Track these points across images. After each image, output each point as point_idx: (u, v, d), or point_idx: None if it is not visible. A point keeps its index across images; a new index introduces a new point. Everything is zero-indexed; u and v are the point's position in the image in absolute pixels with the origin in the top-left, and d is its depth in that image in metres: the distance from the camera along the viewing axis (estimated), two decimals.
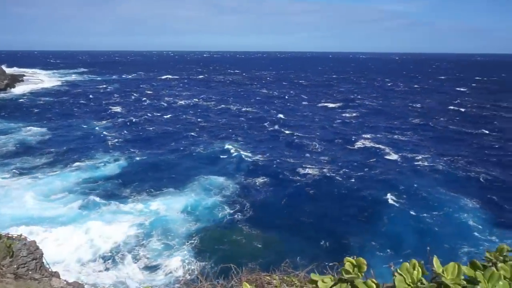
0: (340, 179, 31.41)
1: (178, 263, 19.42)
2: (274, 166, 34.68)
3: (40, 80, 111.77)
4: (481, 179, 31.57)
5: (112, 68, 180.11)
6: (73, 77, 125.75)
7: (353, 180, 31.11)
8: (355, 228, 23.50)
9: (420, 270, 1.41)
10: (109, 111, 62.35)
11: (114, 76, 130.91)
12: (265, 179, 31.15)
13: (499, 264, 1.56)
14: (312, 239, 22.15)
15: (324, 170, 33.52)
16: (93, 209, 25.11)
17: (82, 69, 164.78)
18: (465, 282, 1.39)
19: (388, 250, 20.92)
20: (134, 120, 54.60)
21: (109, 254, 20.20)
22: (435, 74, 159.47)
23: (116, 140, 43.32)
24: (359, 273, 1.50)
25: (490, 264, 1.73)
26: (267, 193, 28.70)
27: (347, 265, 1.54)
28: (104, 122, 53.56)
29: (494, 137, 46.04)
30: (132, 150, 39.11)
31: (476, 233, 22.84)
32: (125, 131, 47.77)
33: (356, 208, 26.22)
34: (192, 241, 21.65)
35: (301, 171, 33.24)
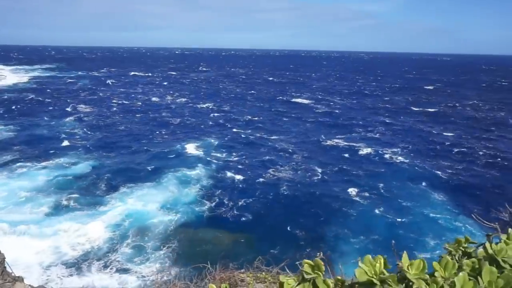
0: (312, 175, 31.88)
1: (150, 264, 19.16)
2: (247, 164, 34.76)
3: (3, 76, 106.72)
4: (446, 174, 32.88)
5: (80, 64, 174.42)
6: (39, 73, 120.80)
7: (324, 176, 31.66)
8: (328, 223, 23.94)
9: (382, 262, 1.47)
10: (77, 108, 60.40)
11: (82, 73, 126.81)
12: (238, 177, 31.18)
13: (464, 261, 1.65)
14: (285, 235, 22.40)
15: (297, 167, 33.92)
16: (63, 210, 24.38)
17: (48, 65, 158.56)
18: (427, 276, 1.47)
19: (360, 244, 21.47)
20: (103, 118, 53.20)
21: (80, 256, 19.66)
22: (403, 73, 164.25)
23: (85, 138, 42.11)
24: (319, 272, 1.56)
25: (451, 257, 1.83)
26: (240, 191, 28.74)
27: (306, 267, 1.59)
28: (72, 119, 51.85)
29: (457, 134, 48.01)
30: (102, 148, 38.14)
31: (443, 224, 23.84)
32: (94, 129, 46.47)
33: (327, 204, 26.69)
34: (166, 241, 21.40)
35: (274, 168, 33.49)
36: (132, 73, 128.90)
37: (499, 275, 1.39)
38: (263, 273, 5.02)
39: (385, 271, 1.46)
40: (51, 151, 36.26)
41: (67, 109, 59.74)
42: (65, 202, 25.35)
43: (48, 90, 79.67)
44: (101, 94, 77.37)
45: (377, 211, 25.67)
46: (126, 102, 67.90)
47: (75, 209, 24.55)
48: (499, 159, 37.51)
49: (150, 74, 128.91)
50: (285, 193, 28.40)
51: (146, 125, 49.57)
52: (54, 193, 26.58)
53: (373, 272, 1.44)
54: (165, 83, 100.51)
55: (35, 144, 38.63)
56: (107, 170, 31.67)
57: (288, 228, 23.19)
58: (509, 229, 1.82)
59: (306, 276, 1.54)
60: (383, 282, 1.42)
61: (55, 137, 42.21)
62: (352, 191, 28.82)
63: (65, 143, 39.62)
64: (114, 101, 68.75)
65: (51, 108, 60.15)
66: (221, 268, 5.35)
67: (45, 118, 51.78)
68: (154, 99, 72.25)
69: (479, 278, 1.41)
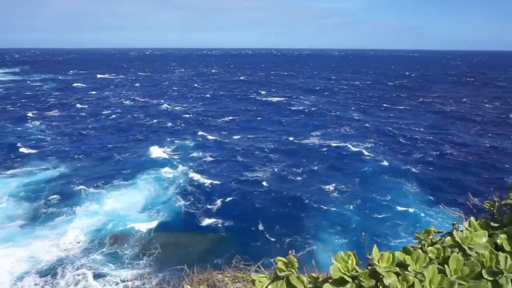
0: (288, 173, 32.14)
1: (127, 269, 18.80)
2: (222, 164, 34.66)
3: None
4: (417, 167, 33.91)
5: (47, 67, 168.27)
6: (3, 77, 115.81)
7: (300, 174, 31.99)
8: (305, 219, 24.21)
9: (354, 259, 1.51)
10: (44, 113, 58.30)
11: (48, 76, 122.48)
12: (214, 178, 31.02)
13: (428, 248, 1.72)
14: (263, 233, 22.50)
15: (273, 165, 34.10)
16: (36, 217, 23.58)
17: (12, 69, 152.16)
18: (397, 269, 1.52)
19: (338, 238, 21.89)
20: (71, 122, 51.62)
21: (54, 264, 19.05)
22: (373, 69, 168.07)
23: (53, 143, 40.74)
24: (292, 270, 1.58)
25: (420, 245, 1.91)
26: (216, 191, 28.60)
27: (280, 264, 1.61)
28: (38, 124, 50.01)
29: (426, 128, 49.63)
30: (71, 153, 36.99)
31: (416, 215, 24.65)
32: (62, 134, 44.98)
33: (304, 201, 26.98)
34: (143, 245, 21.05)
35: (250, 167, 33.56)
36: (101, 75, 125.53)
37: (465, 262, 1.46)
38: (241, 272, 5.03)
39: (357, 268, 1.50)
40: (18, 159, 34.89)
41: (32, 114, 57.51)
42: (37, 209, 24.56)
43: (12, 96, 76.43)
44: (68, 97, 74.91)
45: (353, 205, 26.20)
46: (95, 105, 65.98)
47: (48, 216, 23.80)
48: (465, 151, 39.06)
49: (119, 76, 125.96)
50: (262, 191, 28.50)
51: (116, 128, 48.37)
52: (26, 201, 25.70)
53: (345, 269, 1.48)
54: (136, 85, 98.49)
55: (1, 152, 37.06)
56: (78, 175, 30.79)
57: (266, 226, 23.29)
58: (472, 218, 1.90)
59: (279, 274, 1.55)
60: (355, 278, 1.46)
61: (22, 143, 40.55)
62: (329, 187, 29.27)
63: (32, 149, 38.18)
64: (82, 104, 66.74)
65: (15, 114, 57.73)
66: (199, 269, 5.31)
67: (9, 125, 49.68)
68: (124, 101, 70.66)
69: (446, 266, 1.47)
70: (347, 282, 1.46)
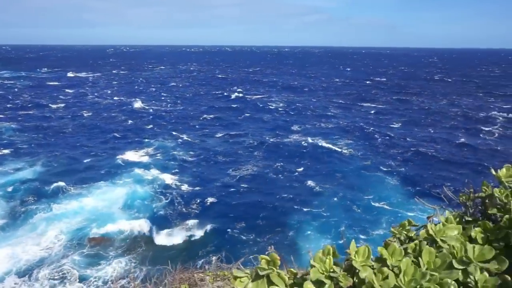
0: (270, 170, 32.29)
1: (107, 269, 18.51)
2: (204, 162, 34.52)
3: None
4: (396, 162, 34.66)
5: (19, 64, 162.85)
6: None
7: (282, 171, 32.18)
8: (288, 216, 24.41)
9: (331, 258, 1.54)
10: (18, 111, 56.49)
11: (21, 73, 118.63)
12: (196, 176, 30.87)
13: (408, 244, 1.76)
14: (246, 231, 22.55)
15: (254, 162, 34.19)
16: (15, 218, 23.00)
17: None
18: (373, 263, 1.56)
19: (320, 233, 22.18)
20: (46, 122, 50.17)
21: (34, 264, 18.60)
22: (352, 66, 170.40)
23: (27, 142, 39.54)
24: (273, 268, 1.60)
25: (395, 240, 1.96)
26: (198, 190, 28.49)
27: (263, 262, 1.62)
28: (11, 123, 48.43)
29: (403, 124, 50.77)
30: (46, 152, 35.99)
31: (395, 208, 25.25)
32: (37, 134, 43.66)
33: (287, 197, 27.20)
34: (123, 245, 20.78)
35: (231, 165, 33.53)
36: (76, 73, 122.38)
37: (437, 254, 1.51)
38: (223, 270, 5.03)
39: (335, 268, 1.53)
40: None
41: (6, 112, 55.71)
42: (15, 209, 23.96)
43: None
44: (42, 96, 72.85)
45: (333, 200, 26.59)
46: (70, 104, 63.85)
47: (26, 216, 23.21)
48: (440, 146, 40.18)
49: (95, 74, 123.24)
50: (243, 190, 28.53)
51: (92, 128, 46.94)
52: (3, 201, 24.94)
53: (323, 269, 1.51)
54: (114, 83, 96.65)
55: None
56: (55, 176, 29.98)
57: (248, 224, 23.35)
58: (447, 211, 1.97)
59: (260, 273, 1.56)
60: (333, 279, 1.49)
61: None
62: (309, 183, 29.55)
63: (6, 149, 36.98)
64: (56, 103, 64.84)
65: None
66: (180, 268, 5.29)
67: None
68: (99, 100, 69.06)
69: (419, 258, 1.52)
70: (325, 283, 1.49)
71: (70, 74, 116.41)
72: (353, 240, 1.73)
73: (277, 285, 1.59)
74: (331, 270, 1.50)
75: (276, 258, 1.67)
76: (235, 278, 1.58)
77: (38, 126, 47.10)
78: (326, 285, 1.48)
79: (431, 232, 1.69)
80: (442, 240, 1.64)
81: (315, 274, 1.53)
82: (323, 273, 1.49)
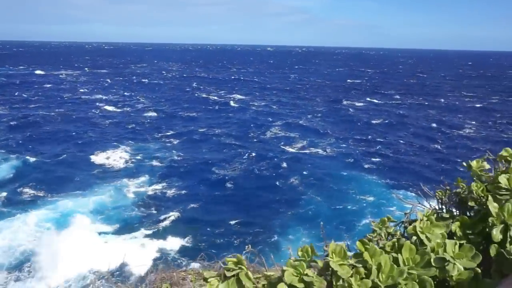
0: (254, 169, 32.30)
1: (86, 270, 18.14)
2: (188, 161, 34.22)
3: None
4: (375, 159, 35.25)
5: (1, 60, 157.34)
6: None
7: (265, 170, 32.24)
8: (271, 214, 24.52)
9: (305, 262, 1.56)
10: None
11: (2, 69, 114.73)
12: (176, 177, 30.51)
13: (387, 243, 1.79)
14: (229, 230, 22.52)
15: (238, 162, 34.13)
16: None
17: None
18: (350, 261, 1.58)
19: (300, 230, 22.37)
20: (24, 118, 48.69)
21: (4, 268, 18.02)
22: (333, 66, 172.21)
23: (4, 138, 38.34)
24: (242, 267, 1.61)
25: (376, 235, 2.00)
26: (179, 191, 28.25)
27: (230, 264, 1.63)
28: None
29: (383, 122, 51.64)
30: (25, 150, 34.97)
31: (375, 204, 25.72)
32: (13, 130, 42.29)
33: (271, 196, 27.31)
34: (105, 244, 20.40)
35: (215, 164, 33.37)
36: (60, 71, 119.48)
37: (417, 251, 1.54)
38: (205, 269, 5.00)
39: (308, 272, 1.55)
40: None
41: None
42: None
43: None
44: (19, 93, 70.72)
45: (315, 197, 26.83)
46: (43, 102, 61.65)
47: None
48: (418, 143, 41.10)
49: (77, 71, 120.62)
50: (225, 189, 28.45)
51: (65, 129, 44.84)
52: None
53: (297, 273, 1.52)
54: (100, 81, 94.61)
55: None
56: (27, 180, 28.78)
57: (231, 223, 23.33)
58: (426, 209, 2.01)
59: (227, 274, 1.58)
60: (307, 283, 1.51)
61: None
62: (291, 182, 29.73)
63: None
64: (36, 100, 63.20)
65: None
66: (161, 268, 5.23)
67: None
68: (82, 97, 67.72)
69: (399, 255, 1.55)
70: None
71: (39, 72, 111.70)
72: (332, 240, 1.75)
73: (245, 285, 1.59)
74: (305, 274, 1.52)
75: (242, 259, 1.69)
76: (205, 279, 1.59)
77: (13, 125, 45.48)
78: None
79: (418, 229, 1.72)
80: (427, 238, 1.67)
81: (288, 277, 1.54)
82: (296, 276, 1.51)
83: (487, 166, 2.22)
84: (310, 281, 1.49)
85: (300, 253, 1.60)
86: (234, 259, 1.63)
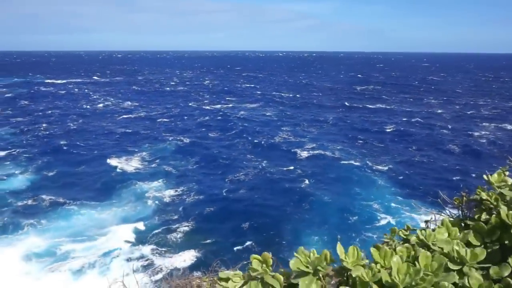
0: (266, 175, 32.24)
1: (103, 274, 18.33)
2: (203, 167, 34.33)
3: None
4: (390, 166, 34.77)
5: (10, 70, 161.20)
6: None
7: (277, 176, 32.14)
8: (284, 220, 24.36)
9: (315, 251, 1.56)
10: (10, 118, 55.96)
11: (20, 79, 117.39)
12: (191, 183, 30.66)
13: (397, 248, 1.80)
14: (242, 236, 22.45)
15: (251, 168, 34.11)
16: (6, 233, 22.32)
17: None
18: (365, 262, 1.59)
19: (316, 236, 22.18)
20: (41, 128, 49.69)
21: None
22: (344, 71, 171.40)
23: (20, 149, 39.09)
24: (267, 269, 1.60)
25: (386, 244, 2.00)
26: (194, 194, 28.36)
27: (254, 263, 1.62)
28: (3, 127, 47.98)
29: (395, 128, 51.06)
30: (41, 160, 35.62)
31: (390, 211, 25.33)
32: (29, 140, 43.16)
33: (281, 202, 27.15)
34: (120, 251, 20.58)
35: (228, 170, 33.41)
36: (67, 79, 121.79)
37: (433, 258, 1.54)
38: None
39: (318, 255, 1.55)
40: None
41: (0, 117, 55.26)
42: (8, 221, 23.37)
43: None
44: (41, 101, 72.31)
45: (328, 204, 26.56)
46: (61, 111, 62.92)
47: (19, 229, 22.60)
48: (434, 150, 40.48)
49: (89, 79, 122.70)
50: (238, 195, 28.40)
51: (83, 136, 45.89)
52: None
53: (306, 262, 1.53)
54: (114, 89, 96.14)
55: None
56: (46, 186, 29.26)
57: (245, 229, 23.27)
58: (444, 218, 2.00)
59: (253, 274, 1.56)
60: (316, 271, 1.50)
61: None
62: (304, 187, 29.57)
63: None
64: (53, 109, 64.42)
65: None
66: (177, 275, 5.27)
67: None
68: (88, 108, 68.46)
69: (416, 263, 1.55)
70: (308, 273, 1.52)
71: (52, 81, 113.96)
72: (339, 243, 1.75)
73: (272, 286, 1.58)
74: (312, 260, 1.52)
75: (268, 257, 1.66)
76: (221, 279, 1.57)
77: (30, 134, 46.39)
78: (309, 274, 1.49)
79: (421, 237, 1.72)
80: (433, 244, 1.68)
81: (296, 264, 1.54)
82: (306, 266, 1.51)
83: (510, 180, 2.15)
84: (317, 266, 1.48)
85: (302, 254, 1.60)
86: (259, 257, 1.62)
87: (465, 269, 1.51)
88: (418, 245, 1.72)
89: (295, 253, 1.60)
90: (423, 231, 1.77)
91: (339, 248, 1.61)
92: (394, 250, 1.65)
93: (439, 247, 1.66)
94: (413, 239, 1.86)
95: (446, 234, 1.74)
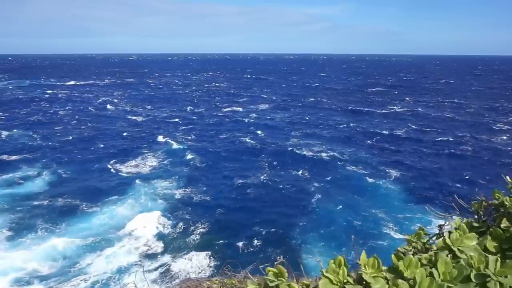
0: (275, 179, 32.15)
1: (114, 279, 18.46)
2: (208, 173, 34.37)
3: None
4: (402, 169, 34.38)
5: (30, 73, 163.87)
6: None
7: (286, 180, 32.03)
8: (292, 224, 24.23)
9: (345, 270, 1.51)
10: (29, 118, 56.94)
11: (33, 81, 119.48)
12: (201, 186, 30.78)
13: (423, 255, 1.73)
14: (251, 239, 22.40)
15: (261, 171, 34.08)
16: (22, 235, 22.52)
17: None
18: (385, 274, 1.53)
19: (324, 240, 21.98)
20: (58, 130, 50.43)
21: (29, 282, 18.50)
22: (356, 74, 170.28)
23: (39, 150, 39.68)
24: (283, 279, 1.58)
25: (411, 248, 1.93)
26: (203, 197, 28.46)
27: (270, 275, 1.61)
28: (19, 130, 48.83)
29: (406, 132, 50.48)
30: (58, 161, 36.10)
31: (400, 215, 24.95)
32: (44, 142, 43.81)
33: (290, 205, 27.04)
34: (133, 253, 20.73)
35: (234, 176, 33.28)
36: (84, 82, 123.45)
37: (454, 265, 1.48)
38: (230, 279, 5.00)
39: (349, 278, 1.51)
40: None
41: (18, 119, 56.24)
42: (21, 222, 23.71)
43: None
44: (55, 104, 73.45)
45: (338, 208, 26.41)
46: (77, 113, 64.31)
47: (35, 231, 22.86)
48: (446, 153, 39.87)
49: (103, 82, 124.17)
50: (248, 199, 28.37)
51: (103, 138, 46.76)
52: (9, 211, 24.90)
53: (337, 280, 1.48)
54: (119, 91, 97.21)
55: None
56: (61, 188, 29.71)
57: (255, 233, 23.20)
58: (457, 219, 1.93)
59: (270, 284, 1.55)
60: None
61: (3, 149, 39.50)
62: (313, 191, 29.39)
63: (15, 154, 37.20)
64: (71, 111, 65.36)
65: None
66: (188, 277, 5.27)
67: None
68: (110, 108, 69.69)
69: (434, 269, 1.49)
70: None
71: (83, 82, 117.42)
72: (364, 251, 1.71)
73: None
74: (345, 281, 1.48)
75: (283, 270, 1.66)
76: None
77: (48, 135, 47.11)
78: None
79: (448, 241, 1.65)
80: (459, 250, 1.61)
81: (326, 285, 1.50)
82: (336, 284, 1.47)
83: None
84: None
85: (333, 265, 1.56)
86: (275, 270, 1.61)
87: (490, 284, 1.42)
88: (443, 250, 1.65)
89: (324, 271, 1.57)
90: (450, 235, 1.70)
91: (363, 258, 1.56)
92: (417, 252, 1.59)
93: (465, 254, 1.59)
94: (438, 242, 1.79)
95: (475, 241, 1.67)
